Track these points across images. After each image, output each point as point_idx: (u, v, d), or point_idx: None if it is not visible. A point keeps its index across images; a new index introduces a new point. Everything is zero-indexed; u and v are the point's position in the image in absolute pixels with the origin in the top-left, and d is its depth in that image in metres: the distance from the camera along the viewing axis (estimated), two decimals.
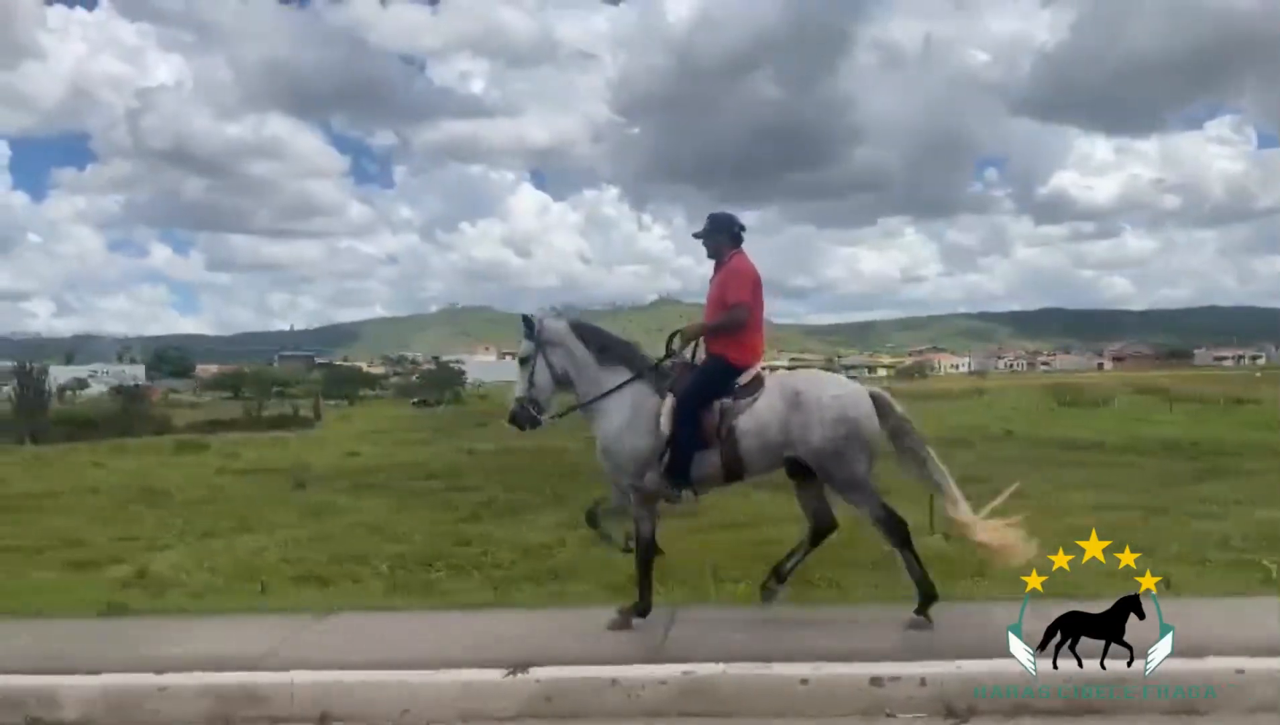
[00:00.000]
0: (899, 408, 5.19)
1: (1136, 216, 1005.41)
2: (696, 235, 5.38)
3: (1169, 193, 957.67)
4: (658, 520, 5.25)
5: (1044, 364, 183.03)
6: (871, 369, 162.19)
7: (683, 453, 4.96)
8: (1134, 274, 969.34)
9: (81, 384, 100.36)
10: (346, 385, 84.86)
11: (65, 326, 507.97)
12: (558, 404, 5.38)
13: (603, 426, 5.14)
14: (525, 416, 5.20)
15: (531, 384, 5.19)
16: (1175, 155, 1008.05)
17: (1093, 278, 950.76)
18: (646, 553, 5.16)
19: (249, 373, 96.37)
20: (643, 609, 5.12)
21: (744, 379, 5.10)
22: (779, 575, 5.33)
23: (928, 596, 4.93)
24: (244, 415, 39.66)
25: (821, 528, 5.27)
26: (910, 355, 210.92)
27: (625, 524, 5.43)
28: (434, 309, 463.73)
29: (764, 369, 5.29)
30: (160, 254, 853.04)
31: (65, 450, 22.78)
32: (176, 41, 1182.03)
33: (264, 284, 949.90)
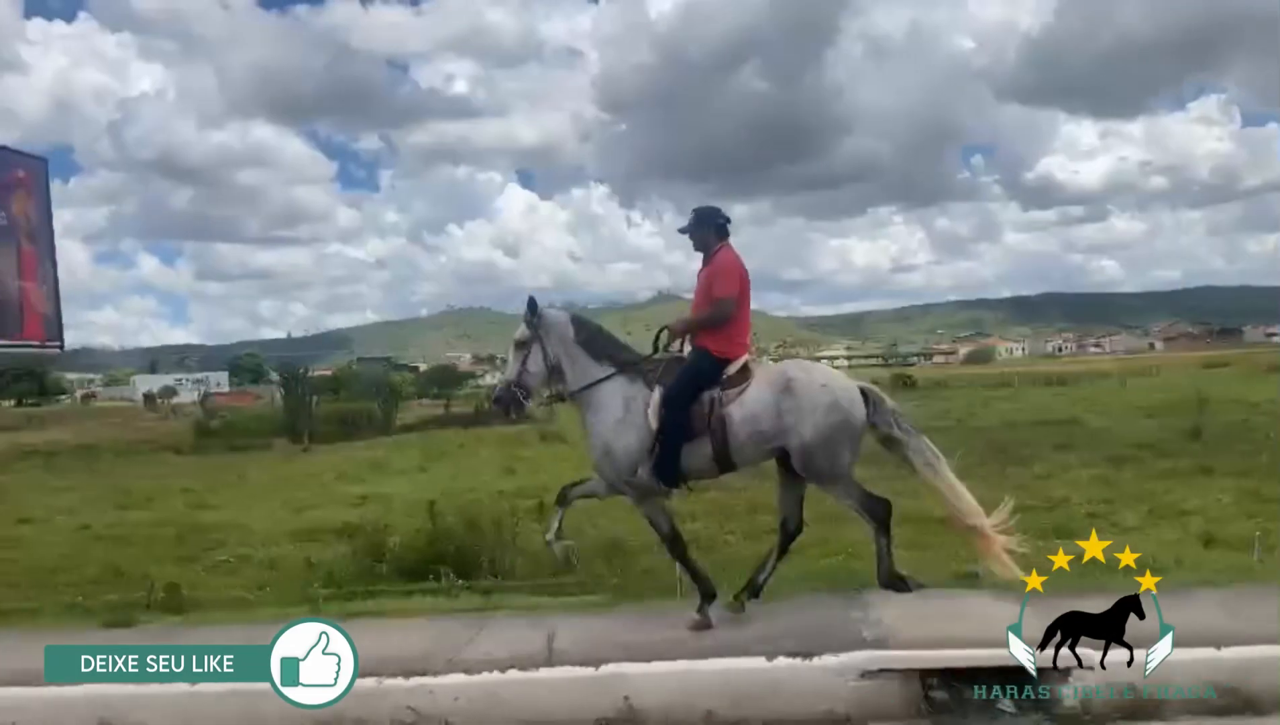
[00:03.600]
0: (890, 402, 5.24)
1: (1124, 199, 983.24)
2: (682, 230, 5.36)
3: (1156, 174, 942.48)
4: (672, 513, 5.21)
5: (1095, 347, 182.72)
6: (928, 356, 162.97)
7: (670, 447, 4.94)
8: (1123, 256, 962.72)
9: (170, 392, 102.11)
10: (445, 384, 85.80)
11: None
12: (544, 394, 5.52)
13: (592, 419, 5.15)
14: (511, 400, 5.21)
15: (525, 369, 5.18)
16: (1161, 137, 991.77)
17: (1082, 261, 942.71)
18: (675, 545, 5.14)
19: (342, 375, 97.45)
20: (708, 593, 5.01)
21: (731, 370, 5.10)
22: (754, 589, 5.19)
23: (898, 579, 5.07)
24: (447, 412, 40.26)
25: (792, 531, 5.25)
26: (958, 341, 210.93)
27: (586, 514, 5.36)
28: (424, 312, 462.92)
29: (761, 358, 5.35)
30: (148, 265, 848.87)
31: (388, 447, 23.85)
32: (158, 51, 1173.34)
33: (254, 292, 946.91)
